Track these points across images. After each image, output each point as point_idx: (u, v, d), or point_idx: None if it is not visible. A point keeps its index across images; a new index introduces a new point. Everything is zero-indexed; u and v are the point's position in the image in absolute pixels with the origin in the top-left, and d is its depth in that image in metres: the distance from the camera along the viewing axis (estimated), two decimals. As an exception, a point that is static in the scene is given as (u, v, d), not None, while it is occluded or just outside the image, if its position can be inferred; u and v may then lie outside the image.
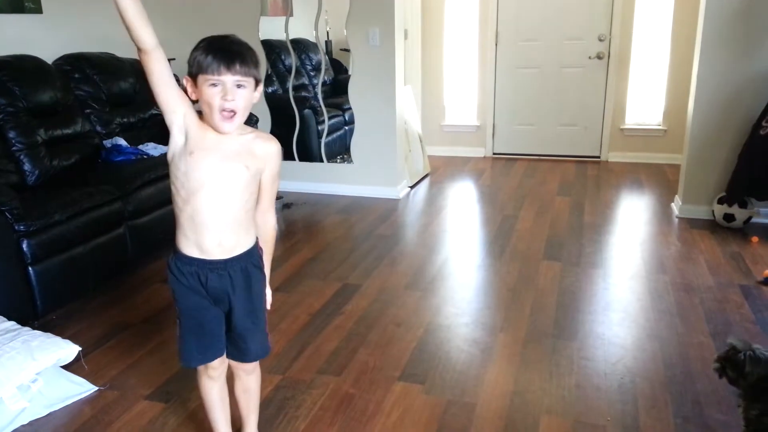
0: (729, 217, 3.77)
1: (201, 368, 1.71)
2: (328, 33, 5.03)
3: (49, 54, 3.61)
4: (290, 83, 4.79)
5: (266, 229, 1.67)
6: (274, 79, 4.90)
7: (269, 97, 4.81)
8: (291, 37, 4.73)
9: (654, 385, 2.19)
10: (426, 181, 5.14)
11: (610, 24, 5.37)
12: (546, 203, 4.42)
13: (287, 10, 4.66)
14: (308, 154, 4.88)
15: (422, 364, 2.36)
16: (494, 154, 5.97)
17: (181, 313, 1.64)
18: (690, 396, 2.11)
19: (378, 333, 2.60)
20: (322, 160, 4.84)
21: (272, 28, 4.72)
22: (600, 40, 5.43)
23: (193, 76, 1.47)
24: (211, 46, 1.46)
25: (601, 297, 2.92)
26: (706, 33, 3.70)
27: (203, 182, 1.48)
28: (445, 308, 2.83)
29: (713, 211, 3.88)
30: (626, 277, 3.14)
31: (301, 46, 5.00)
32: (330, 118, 4.82)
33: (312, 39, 4.80)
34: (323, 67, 4.81)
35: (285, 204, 4.44)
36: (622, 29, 5.35)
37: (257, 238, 1.63)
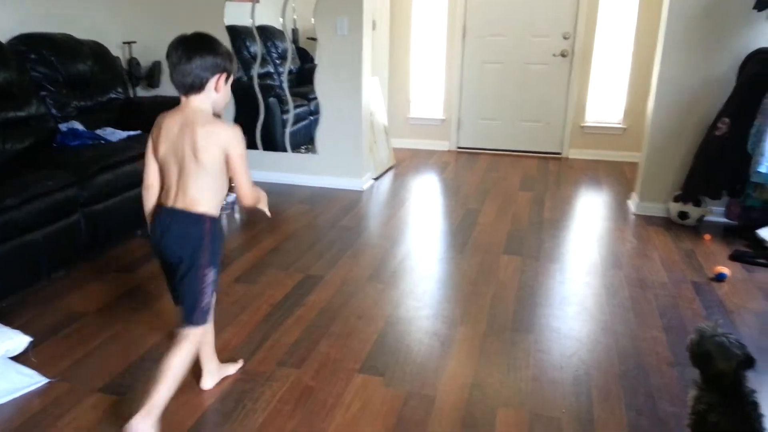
0: (683, 215, 3.88)
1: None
2: (294, 21, 4.96)
3: (3, 33, 3.47)
4: (255, 71, 4.71)
5: None
6: (239, 66, 4.82)
7: (233, 85, 4.71)
8: (257, 24, 4.65)
9: (608, 378, 2.24)
10: (390, 174, 5.14)
11: (575, 22, 5.45)
12: (508, 198, 4.47)
13: (253, -4, 4.59)
14: (272, 144, 4.82)
15: (383, 356, 2.37)
16: (458, 147, 6.01)
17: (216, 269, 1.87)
18: (643, 389, 2.17)
19: (339, 325, 2.60)
20: (286, 150, 4.79)
21: (237, 14, 4.64)
22: (564, 38, 5.51)
23: (228, 75, 1.82)
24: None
25: (559, 291, 2.98)
26: (668, 36, 3.78)
27: None
28: (407, 301, 2.84)
29: (668, 208, 3.98)
30: (583, 272, 3.20)
31: (267, 33, 4.93)
32: (295, 107, 4.77)
33: (278, 26, 4.74)
34: (290, 55, 4.75)
35: (247, 193, 4.37)
36: (587, 28, 5.43)
37: None
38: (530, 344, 2.47)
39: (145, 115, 4.02)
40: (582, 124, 5.69)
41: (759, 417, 1.62)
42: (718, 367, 1.64)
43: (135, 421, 1.75)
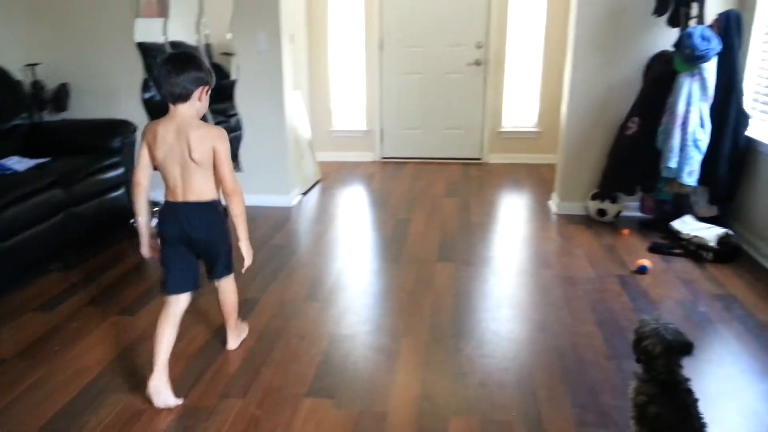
0: (602, 212, 4.07)
1: None
2: (207, 36, 4.84)
3: None
4: (170, 89, 4.54)
5: None
6: (151, 84, 4.63)
7: (148, 104, 4.54)
8: (168, 40, 4.50)
9: (551, 377, 2.30)
10: (317, 188, 5.09)
11: (487, 32, 5.62)
12: (436, 205, 4.53)
13: (162, 12, 4.43)
14: (193, 164, 4.65)
15: (329, 377, 2.33)
16: (383, 158, 6.05)
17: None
18: (585, 385, 2.25)
19: (281, 349, 2.53)
20: (208, 170, 4.64)
21: (148, 31, 4.46)
22: (478, 47, 5.67)
23: (209, 88, 2.15)
24: None
25: (494, 294, 3.04)
26: (576, 43, 3.97)
27: None
28: (347, 317, 2.81)
29: (587, 206, 4.17)
30: (515, 274, 3.29)
31: (178, 49, 4.77)
32: (215, 124, 4.63)
33: (191, 42, 4.60)
34: (205, 72, 4.61)
35: (170, 217, 4.20)
36: (498, 37, 5.61)
37: None
38: (473, 350, 2.50)
39: (54, 141, 3.83)
40: (499, 130, 5.87)
41: (694, 403, 1.71)
42: (647, 349, 1.73)
43: (229, 340, 2.53)
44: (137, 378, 2.31)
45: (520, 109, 5.85)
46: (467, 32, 5.65)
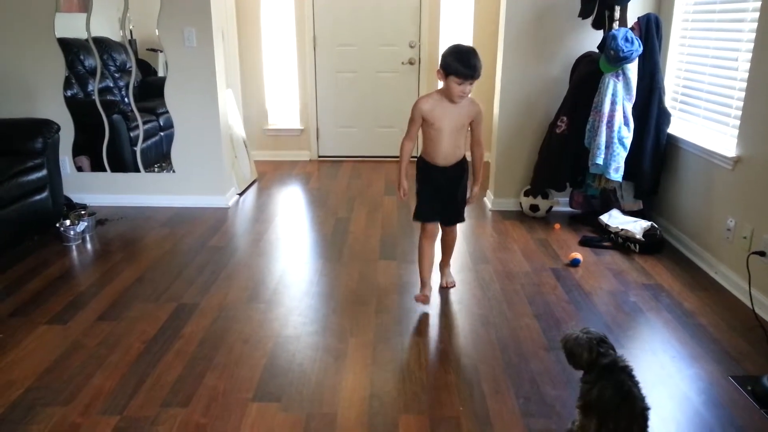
0: (534, 208, 4.20)
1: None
2: (131, 32, 4.65)
3: None
4: (95, 86, 4.34)
5: (479, 152, 2.93)
6: (74, 81, 4.41)
7: (69, 102, 4.32)
8: (91, 35, 4.29)
9: (495, 370, 2.36)
10: (254, 188, 5.00)
11: (419, 32, 5.68)
12: (375, 204, 4.54)
13: (83, 7, 4.22)
14: (121, 164, 4.47)
15: (276, 380, 2.29)
16: (320, 157, 6.01)
17: (421, 191, 2.95)
18: (527, 376, 2.32)
19: (224, 353, 2.47)
20: (138, 170, 4.46)
21: (69, 26, 4.24)
22: (411, 46, 5.72)
23: (446, 72, 2.62)
24: (460, 58, 2.60)
25: (437, 291, 3.08)
26: (506, 44, 4.07)
27: (442, 128, 2.78)
28: (292, 318, 2.78)
29: (520, 203, 4.29)
30: (456, 270, 3.34)
31: (102, 45, 4.56)
32: (143, 123, 4.46)
33: (115, 38, 4.41)
34: (133, 68, 4.43)
35: (98, 220, 4.01)
36: (430, 37, 5.68)
37: (464, 155, 2.88)
38: (420, 347, 2.53)
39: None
40: (434, 128, 5.93)
41: (636, 384, 1.77)
42: (581, 362, 1.81)
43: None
44: (72, 388, 2.20)
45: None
46: (400, 32, 5.70)
